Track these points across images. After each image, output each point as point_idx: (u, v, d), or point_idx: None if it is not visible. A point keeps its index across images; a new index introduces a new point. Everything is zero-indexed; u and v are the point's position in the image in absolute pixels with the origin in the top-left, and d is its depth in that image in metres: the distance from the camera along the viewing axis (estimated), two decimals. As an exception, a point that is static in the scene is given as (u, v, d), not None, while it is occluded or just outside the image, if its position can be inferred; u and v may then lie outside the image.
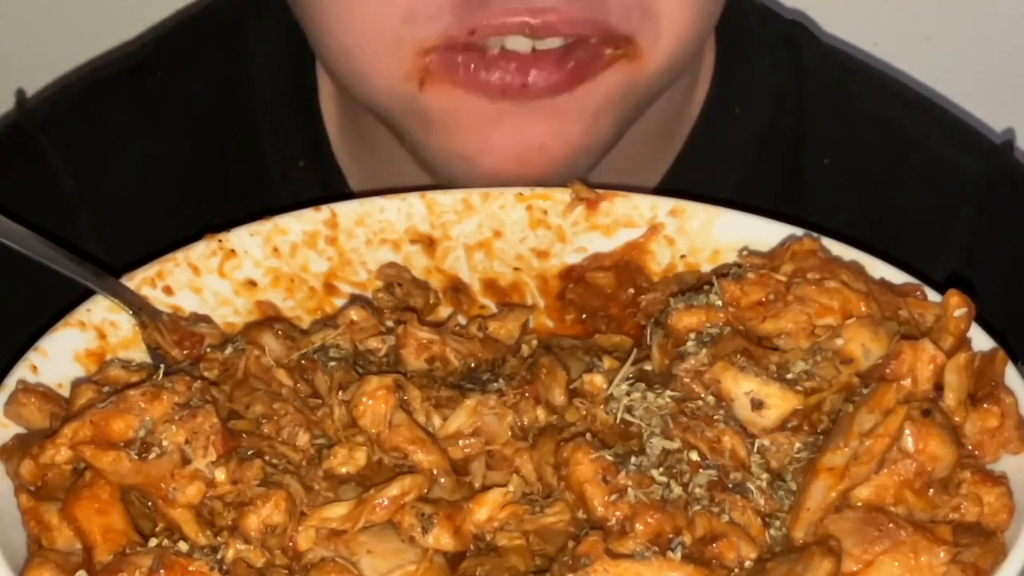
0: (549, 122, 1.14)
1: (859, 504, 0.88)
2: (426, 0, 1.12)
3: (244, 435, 0.94)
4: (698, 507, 0.87)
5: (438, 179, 1.24)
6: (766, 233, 1.06)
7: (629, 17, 1.13)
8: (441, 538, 0.88)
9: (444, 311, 1.09)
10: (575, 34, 1.12)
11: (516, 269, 1.11)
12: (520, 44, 1.13)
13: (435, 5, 1.12)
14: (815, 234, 1.03)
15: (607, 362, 1.00)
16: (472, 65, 1.13)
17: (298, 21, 1.25)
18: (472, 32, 1.12)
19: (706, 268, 1.08)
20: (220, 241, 1.07)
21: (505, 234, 1.10)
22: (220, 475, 0.89)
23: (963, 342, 0.95)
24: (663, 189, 1.31)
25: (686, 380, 0.95)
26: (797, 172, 1.37)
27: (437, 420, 0.95)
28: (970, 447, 0.92)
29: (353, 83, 1.21)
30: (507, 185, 1.13)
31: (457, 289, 1.10)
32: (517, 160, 1.15)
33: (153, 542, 0.87)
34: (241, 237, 1.08)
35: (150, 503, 0.90)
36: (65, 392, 0.98)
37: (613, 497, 0.88)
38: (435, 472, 0.92)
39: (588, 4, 1.12)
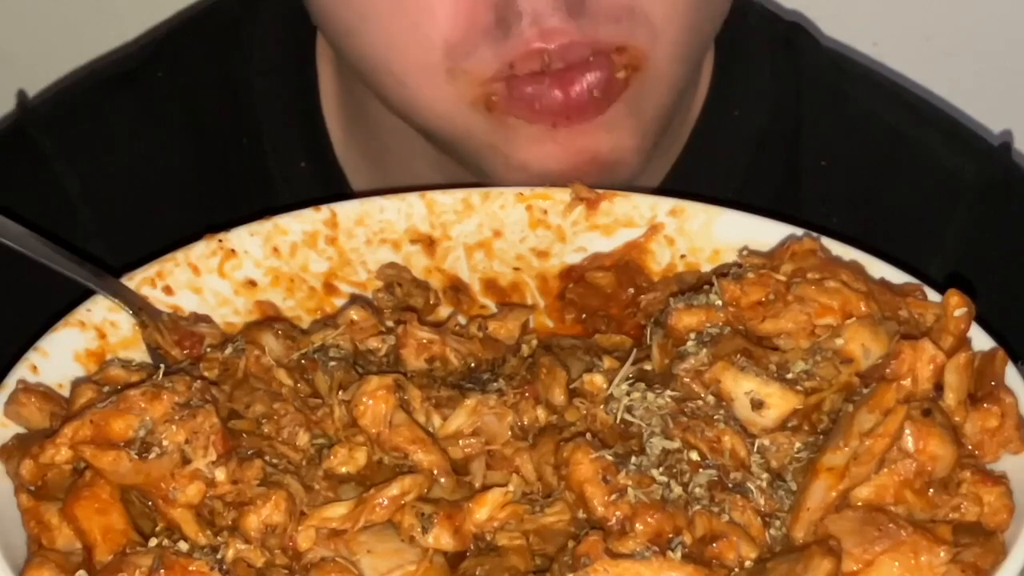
0: (602, 134, 1.15)
1: (859, 504, 0.88)
2: (459, 35, 1.12)
3: (244, 435, 0.94)
4: (698, 507, 0.87)
5: (446, 177, 1.24)
6: (766, 233, 1.06)
7: (618, 26, 1.13)
8: (441, 538, 0.88)
9: (444, 311, 1.09)
10: (572, 58, 1.12)
11: (516, 269, 1.11)
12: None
13: (468, 44, 1.12)
14: (815, 234, 1.03)
15: (607, 362, 1.00)
16: (531, 90, 1.13)
17: (333, 42, 1.25)
18: (511, 66, 1.12)
19: (706, 268, 1.08)
20: (220, 241, 1.07)
21: (505, 234, 1.10)
22: (220, 475, 0.89)
23: (963, 342, 0.95)
24: (663, 189, 1.32)
25: (686, 380, 0.95)
26: (794, 174, 1.37)
27: (437, 420, 0.95)
28: (970, 447, 0.92)
29: (408, 108, 1.20)
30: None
31: (457, 289, 1.10)
32: (571, 169, 1.15)
33: (153, 542, 0.87)
34: (241, 237, 1.08)
35: (150, 503, 0.89)
36: (65, 392, 0.97)
37: (613, 497, 0.88)
38: (435, 472, 0.92)
39: (585, 23, 1.11)
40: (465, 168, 1.24)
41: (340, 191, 1.34)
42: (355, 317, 1.03)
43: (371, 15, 1.15)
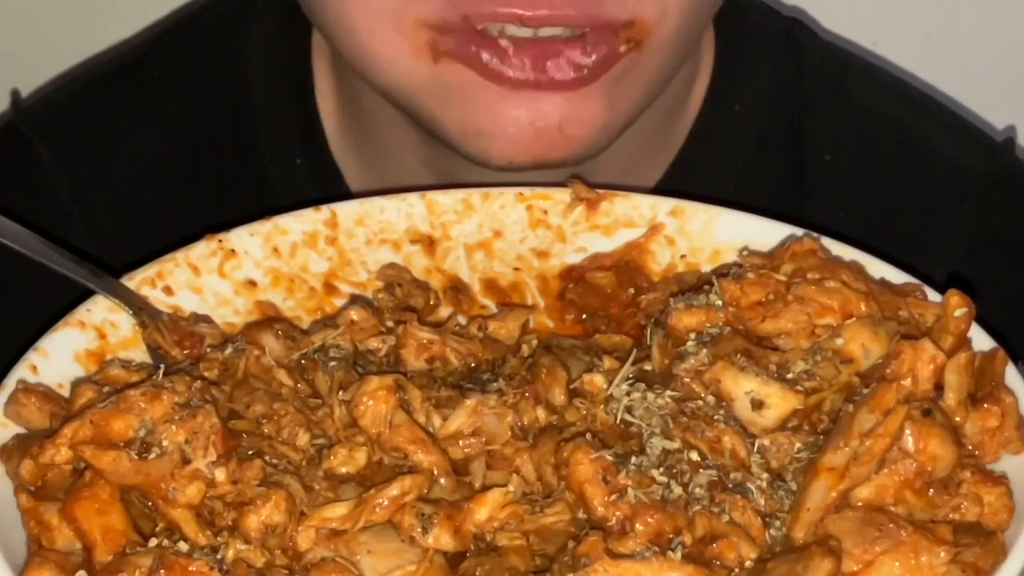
0: (568, 103, 1.13)
1: (859, 504, 0.88)
2: None
3: (244, 435, 0.94)
4: (698, 507, 0.87)
5: (438, 174, 1.24)
6: (766, 233, 1.06)
7: (625, 4, 1.12)
8: (441, 538, 0.88)
9: (444, 311, 1.09)
10: (568, 27, 1.12)
11: (516, 269, 1.11)
12: (522, 31, 1.12)
13: None
14: (815, 234, 1.03)
15: (607, 362, 1.00)
16: (486, 56, 1.12)
17: (300, 6, 1.25)
18: (464, 19, 1.11)
19: (706, 268, 1.08)
20: (220, 241, 1.07)
21: (505, 234, 1.10)
22: (220, 475, 0.89)
23: (963, 342, 0.95)
24: (663, 188, 1.32)
25: (686, 380, 0.95)
26: (797, 169, 1.37)
27: (437, 420, 0.95)
28: (970, 447, 0.92)
29: (364, 64, 1.19)
30: (523, 167, 1.13)
31: (457, 289, 1.10)
32: (534, 139, 1.13)
33: (153, 542, 0.87)
34: (241, 237, 1.08)
35: (150, 503, 0.89)
36: (65, 392, 0.98)
37: (613, 497, 0.88)
38: (435, 472, 0.92)
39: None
40: (441, 148, 1.22)
41: (336, 189, 1.34)
42: (355, 317, 1.03)
43: None
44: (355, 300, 1.07)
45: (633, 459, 0.90)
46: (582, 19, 1.11)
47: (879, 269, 1.02)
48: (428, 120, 1.19)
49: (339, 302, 1.08)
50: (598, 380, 0.97)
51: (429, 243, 1.10)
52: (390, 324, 1.04)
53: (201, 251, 1.07)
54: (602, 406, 0.96)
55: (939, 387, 0.92)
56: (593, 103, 1.14)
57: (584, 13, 1.11)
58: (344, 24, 1.17)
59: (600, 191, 1.11)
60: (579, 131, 1.13)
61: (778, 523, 0.89)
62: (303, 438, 0.94)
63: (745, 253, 1.04)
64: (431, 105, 1.17)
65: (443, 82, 1.14)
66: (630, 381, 0.97)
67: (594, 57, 1.12)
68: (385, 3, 1.13)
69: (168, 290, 1.05)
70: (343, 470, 0.93)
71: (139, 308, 1.02)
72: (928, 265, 1.08)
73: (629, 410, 0.94)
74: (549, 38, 1.12)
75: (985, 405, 0.92)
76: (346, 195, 1.29)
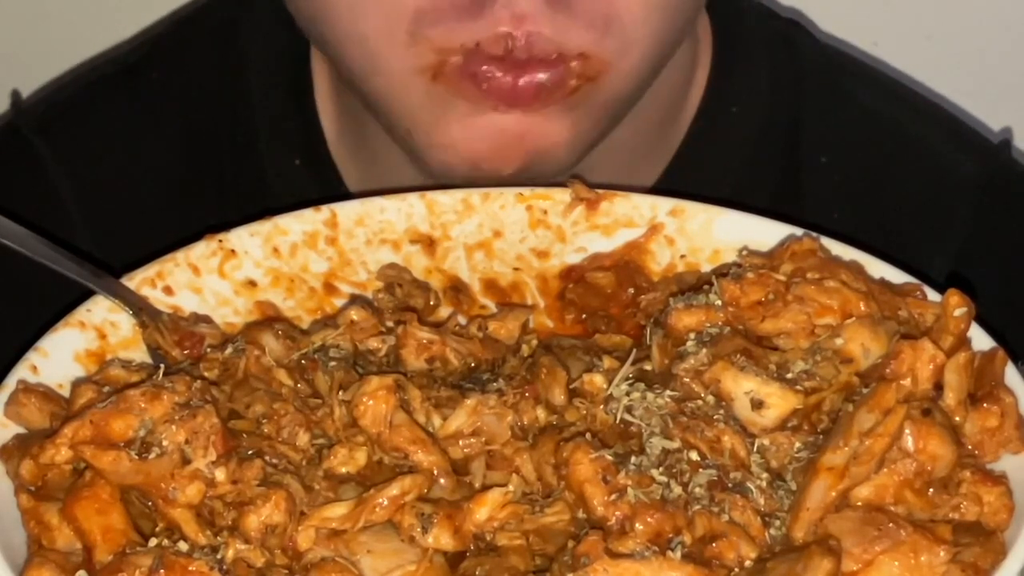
0: (530, 119, 1.14)
1: (859, 504, 0.88)
2: (429, 9, 1.12)
3: (244, 435, 0.94)
4: (698, 507, 0.87)
5: (432, 176, 1.24)
6: (766, 233, 1.06)
7: (590, 32, 1.13)
8: (441, 538, 0.88)
9: (444, 311, 1.09)
10: (547, 51, 1.12)
11: (516, 269, 1.11)
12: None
13: (437, 14, 1.12)
14: (815, 234, 1.03)
15: (607, 362, 1.00)
16: (485, 68, 1.13)
17: (292, 11, 1.25)
18: (477, 45, 1.12)
19: (706, 268, 1.08)
20: (220, 241, 1.07)
21: (505, 234, 1.11)
22: (220, 475, 0.89)
23: (963, 342, 0.95)
24: (661, 188, 1.32)
25: (686, 380, 0.95)
26: (794, 170, 1.37)
27: (437, 420, 0.95)
28: (970, 447, 0.92)
29: (363, 71, 1.19)
30: (486, 175, 1.13)
31: (457, 289, 1.10)
32: (496, 149, 1.15)
33: (153, 542, 0.87)
34: (241, 237, 1.08)
35: (150, 503, 0.89)
36: (65, 392, 0.97)
37: (613, 497, 0.88)
38: (435, 472, 0.92)
39: (561, 20, 1.11)
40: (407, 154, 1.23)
41: (334, 189, 1.34)
42: (355, 317, 1.03)
43: None
44: (355, 300, 1.07)
45: (633, 459, 0.90)
46: (555, 42, 1.12)
47: (879, 269, 1.02)
48: (403, 132, 1.20)
49: (339, 302, 1.08)
50: (598, 380, 0.97)
51: (429, 243, 1.10)
52: (390, 324, 1.04)
53: (201, 251, 1.07)
54: (602, 406, 0.96)
55: (939, 387, 0.92)
56: (555, 122, 1.15)
57: (559, 35, 1.12)
58: (356, 35, 1.17)
59: (600, 191, 1.11)
60: (539, 142, 1.15)
61: (778, 523, 0.89)
62: (303, 438, 0.94)
63: (745, 253, 1.04)
64: (412, 128, 1.18)
65: (434, 105, 1.15)
66: (630, 381, 0.97)
67: (550, 73, 1.13)
68: (401, 22, 1.13)
69: (168, 290, 1.05)
70: (343, 470, 0.93)
71: (139, 308, 1.02)
72: (924, 266, 1.08)
73: (629, 410, 0.94)
74: (527, 59, 1.13)
75: (985, 405, 0.92)
76: (345, 195, 1.29)
